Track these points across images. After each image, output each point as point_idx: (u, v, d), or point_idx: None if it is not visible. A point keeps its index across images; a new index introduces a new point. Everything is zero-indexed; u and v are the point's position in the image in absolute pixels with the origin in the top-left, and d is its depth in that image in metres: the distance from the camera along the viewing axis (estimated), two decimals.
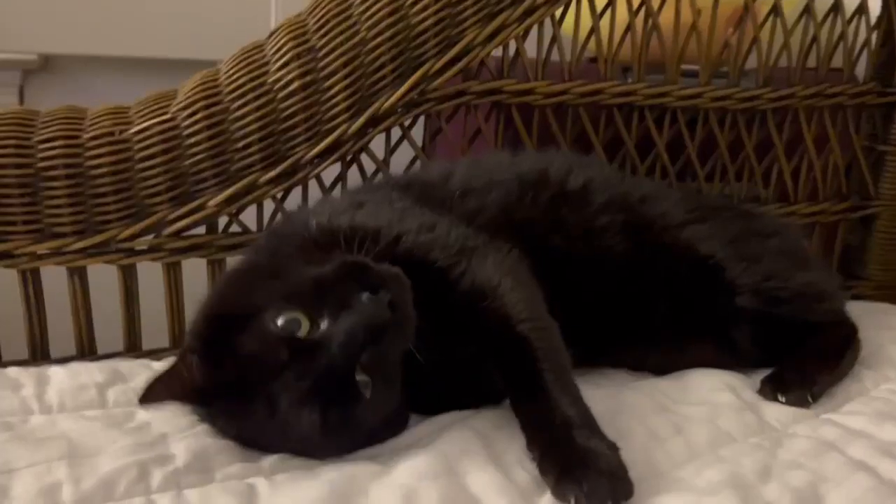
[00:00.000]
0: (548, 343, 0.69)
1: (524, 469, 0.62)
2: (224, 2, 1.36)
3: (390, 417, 0.65)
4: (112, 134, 0.89)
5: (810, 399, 0.77)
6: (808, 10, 1.06)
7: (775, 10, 1.05)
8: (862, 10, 1.09)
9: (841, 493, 0.60)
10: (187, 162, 0.90)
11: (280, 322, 0.60)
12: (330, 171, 0.97)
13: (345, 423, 0.61)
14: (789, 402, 0.76)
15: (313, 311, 0.60)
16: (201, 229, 0.93)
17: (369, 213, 0.74)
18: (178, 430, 0.67)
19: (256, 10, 1.35)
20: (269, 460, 0.63)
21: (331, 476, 0.60)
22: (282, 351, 0.59)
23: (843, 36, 1.08)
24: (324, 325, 0.60)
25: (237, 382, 0.61)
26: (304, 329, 0.60)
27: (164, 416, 0.69)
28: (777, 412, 0.75)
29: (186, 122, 0.90)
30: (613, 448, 0.60)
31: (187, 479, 0.61)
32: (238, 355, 0.60)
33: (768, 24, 1.06)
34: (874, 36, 1.11)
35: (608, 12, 1.01)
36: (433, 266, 0.70)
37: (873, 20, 1.10)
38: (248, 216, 0.95)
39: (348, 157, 0.96)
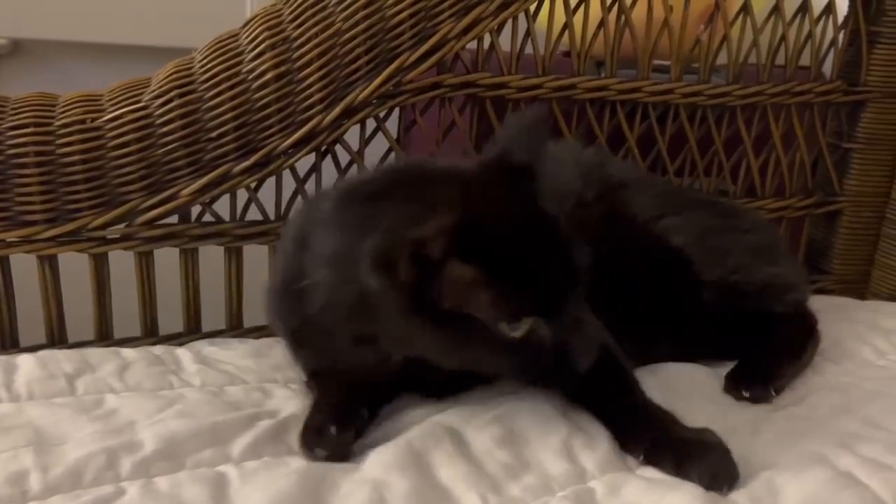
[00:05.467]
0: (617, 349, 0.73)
1: (494, 460, 0.64)
2: None
3: None
4: (83, 122, 0.88)
5: (773, 393, 0.79)
6: (777, 9, 1.08)
7: (745, 9, 1.07)
8: (829, 9, 1.10)
9: (798, 484, 0.62)
10: (160, 151, 0.90)
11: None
12: (304, 162, 0.97)
13: None
14: (753, 399, 0.78)
15: None
16: (174, 218, 0.92)
17: None
18: (147, 415, 0.67)
19: None
20: (239, 447, 0.64)
21: (299, 466, 0.61)
22: None
23: (810, 35, 1.10)
24: None
25: None
26: None
27: (132, 403, 0.69)
28: (739, 404, 0.77)
29: (159, 111, 0.90)
30: (713, 432, 0.66)
31: (157, 466, 0.61)
32: None
33: (738, 22, 1.08)
34: (841, 35, 1.13)
35: (582, 8, 1.02)
36: None
37: (840, 20, 1.12)
38: (222, 206, 0.95)
39: (323, 148, 0.97)
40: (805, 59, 1.12)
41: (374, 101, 0.96)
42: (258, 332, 0.97)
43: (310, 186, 0.98)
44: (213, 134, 0.91)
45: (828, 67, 1.15)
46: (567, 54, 1.06)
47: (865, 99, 1.15)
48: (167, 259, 0.94)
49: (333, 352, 0.71)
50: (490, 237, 0.60)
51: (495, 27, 0.98)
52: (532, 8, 1.00)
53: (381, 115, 0.98)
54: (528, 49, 1.02)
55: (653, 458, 0.65)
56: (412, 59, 0.95)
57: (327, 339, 0.70)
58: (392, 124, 1.02)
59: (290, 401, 0.72)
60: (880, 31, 1.13)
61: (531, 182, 0.65)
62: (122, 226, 0.90)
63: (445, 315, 0.61)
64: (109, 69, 1.07)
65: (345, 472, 0.61)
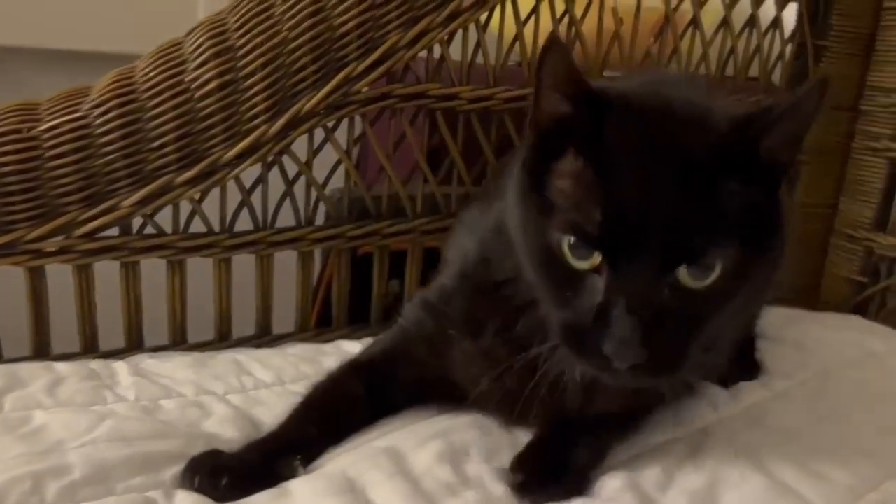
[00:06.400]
0: None
1: (433, 478, 0.62)
2: None
3: None
4: (19, 131, 0.86)
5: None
6: (726, 23, 1.09)
7: (694, 22, 1.08)
8: (776, 23, 1.12)
9: (734, 492, 0.62)
10: (100, 161, 0.88)
11: None
12: (250, 173, 0.95)
13: None
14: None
15: None
16: (115, 231, 0.90)
17: None
18: (76, 435, 0.65)
19: (184, 2, 1.32)
20: (171, 473, 0.62)
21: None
22: None
23: (759, 48, 1.12)
24: None
25: None
26: None
27: (61, 419, 0.67)
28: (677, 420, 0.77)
29: (99, 121, 0.87)
30: None
31: (84, 491, 0.59)
32: None
33: (688, 35, 1.08)
34: (788, 49, 1.14)
35: (532, 19, 1.02)
36: None
37: (787, 33, 1.14)
38: (165, 218, 0.92)
39: (269, 159, 0.95)
40: (754, 71, 1.13)
41: (322, 112, 0.94)
42: (203, 347, 0.95)
43: (256, 198, 0.97)
44: (155, 144, 0.88)
45: (776, 78, 1.16)
46: (520, 65, 1.06)
47: None
48: (108, 272, 0.92)
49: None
50: (621, 143, 0.51)
51: (445, 38, 0.97)
52: (482, 18, 0.99)
53: (330, 125, 0.97)
54: (480, 59, 1.01)
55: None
56: (360, 68, 0.94)
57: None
58: (343, 135, 1.01)
59: (227, 424, 0.70)
60: (826, 45, 1.15)
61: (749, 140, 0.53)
62: (60, 238, 0.88)
63: (541, 192, 0.53)
64: (60, 75, 1.04)
65: (273, 499, 0.59)
